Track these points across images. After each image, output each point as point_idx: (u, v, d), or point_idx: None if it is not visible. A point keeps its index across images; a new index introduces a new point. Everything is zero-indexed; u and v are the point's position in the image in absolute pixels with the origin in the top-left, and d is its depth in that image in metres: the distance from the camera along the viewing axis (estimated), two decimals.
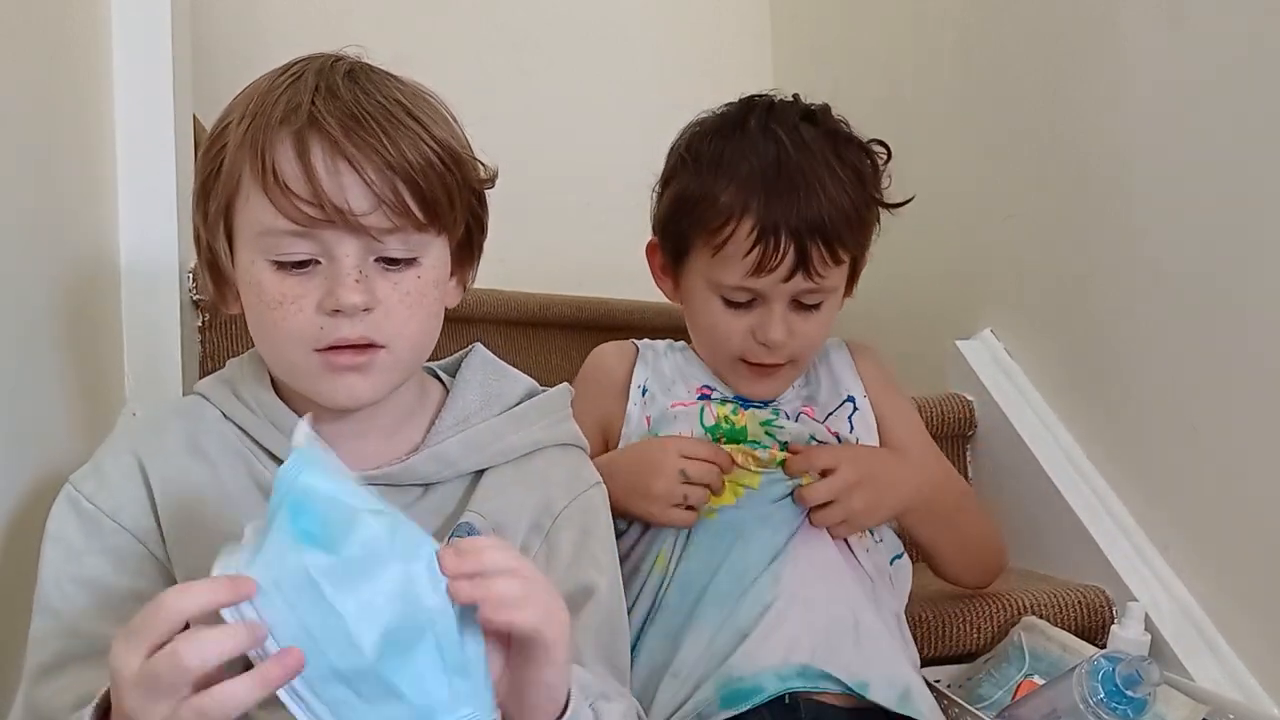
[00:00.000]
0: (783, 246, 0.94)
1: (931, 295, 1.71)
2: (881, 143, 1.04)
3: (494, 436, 0.85)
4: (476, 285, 1.57)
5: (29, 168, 0.95)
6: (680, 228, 1.01)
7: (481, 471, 0.84)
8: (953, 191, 1.64)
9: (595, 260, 1.71)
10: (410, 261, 0.77)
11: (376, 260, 0.76)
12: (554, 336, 1.77)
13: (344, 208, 0.73)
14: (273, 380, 0.84)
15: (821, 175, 0.96)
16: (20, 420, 0.90)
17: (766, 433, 1.05)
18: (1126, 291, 1.34)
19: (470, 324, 1.57)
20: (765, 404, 1.07)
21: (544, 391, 0.90)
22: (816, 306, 1.00)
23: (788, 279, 0.96)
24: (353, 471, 0.70)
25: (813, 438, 1.06)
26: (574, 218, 1.92)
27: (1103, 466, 1.39)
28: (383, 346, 0.77)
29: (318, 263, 0.75)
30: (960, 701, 1.05)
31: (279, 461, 0.78)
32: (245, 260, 0.77)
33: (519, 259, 1.71)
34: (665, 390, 1.07)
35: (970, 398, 1.54)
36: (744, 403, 1.07)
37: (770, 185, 0.95)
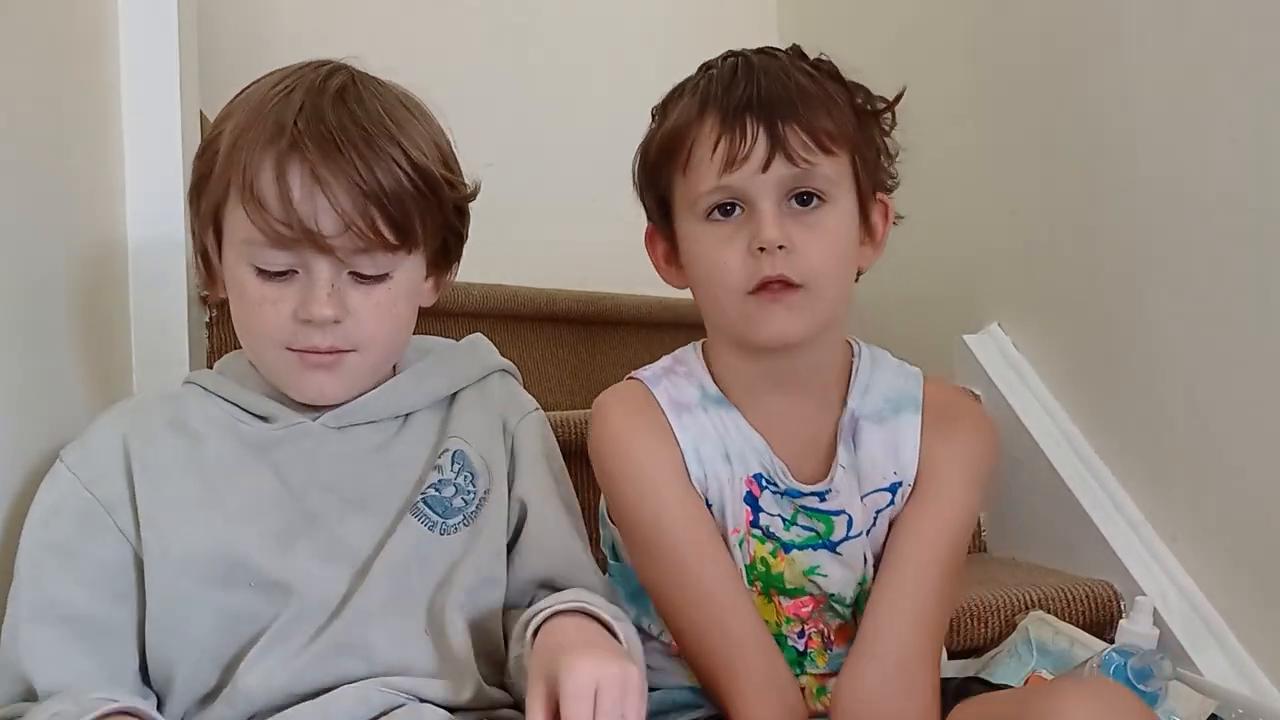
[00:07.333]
0: (749, 127, 0.85)
1: (938, 290, 1.70)
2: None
3: (452, 359, 0.95)
4: (483, 280, 1.60)
5: (39, 163, 0.95)
6: (656, 178, 0.91)
7: (452, 400, 0.93)
8: (959, 186, 1.64)
9: (600, 255, 1.71)
10: (381, 277, 0.84)
11: (350, 273, 0.82)
12: (559, 331, 1.78)
13: (314, 230, 0.79)
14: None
15: (788, 69, 0.88)
16: (28, 412, 0.90)
17: (809, 580, 0.93)
18: (1133, 285, 1.33)
19: (477, 319, 1.58)
20: (812, 518, 0.92)
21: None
22: (812, 206, 0.86)
23: (766, 166, 0.84)
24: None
25: (860, 584, 0.93)
26: (579, 212, 1.91)
27: (1110, 461, 1.39)
28: (353, 350, 0.84)
29: (296, 272, 0.82)
30: None
31: (260, 419, 0.88)
32: (231, 260, 0.84)
33: (524, 254, 1.72)
34: (719, 486, 0.92)
35: (977, 392, 1.53)
36: (793, 494, 0.92)
37: (728, 82, 0.87)
